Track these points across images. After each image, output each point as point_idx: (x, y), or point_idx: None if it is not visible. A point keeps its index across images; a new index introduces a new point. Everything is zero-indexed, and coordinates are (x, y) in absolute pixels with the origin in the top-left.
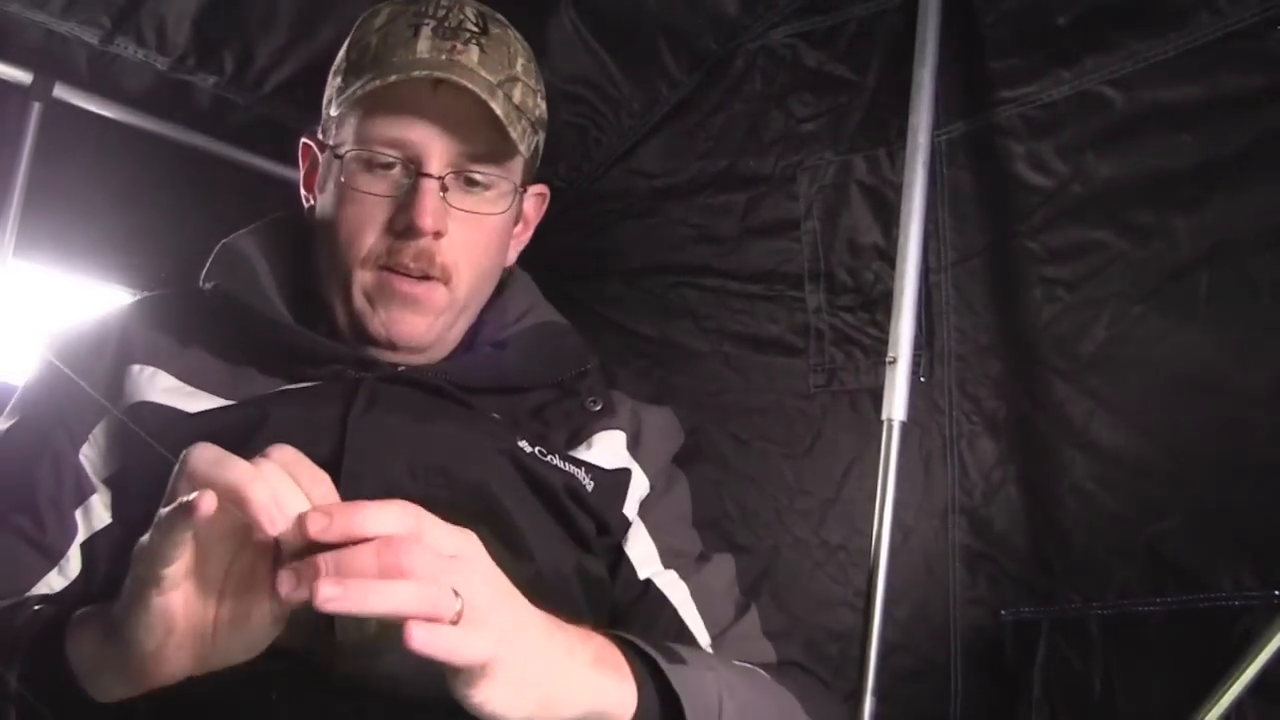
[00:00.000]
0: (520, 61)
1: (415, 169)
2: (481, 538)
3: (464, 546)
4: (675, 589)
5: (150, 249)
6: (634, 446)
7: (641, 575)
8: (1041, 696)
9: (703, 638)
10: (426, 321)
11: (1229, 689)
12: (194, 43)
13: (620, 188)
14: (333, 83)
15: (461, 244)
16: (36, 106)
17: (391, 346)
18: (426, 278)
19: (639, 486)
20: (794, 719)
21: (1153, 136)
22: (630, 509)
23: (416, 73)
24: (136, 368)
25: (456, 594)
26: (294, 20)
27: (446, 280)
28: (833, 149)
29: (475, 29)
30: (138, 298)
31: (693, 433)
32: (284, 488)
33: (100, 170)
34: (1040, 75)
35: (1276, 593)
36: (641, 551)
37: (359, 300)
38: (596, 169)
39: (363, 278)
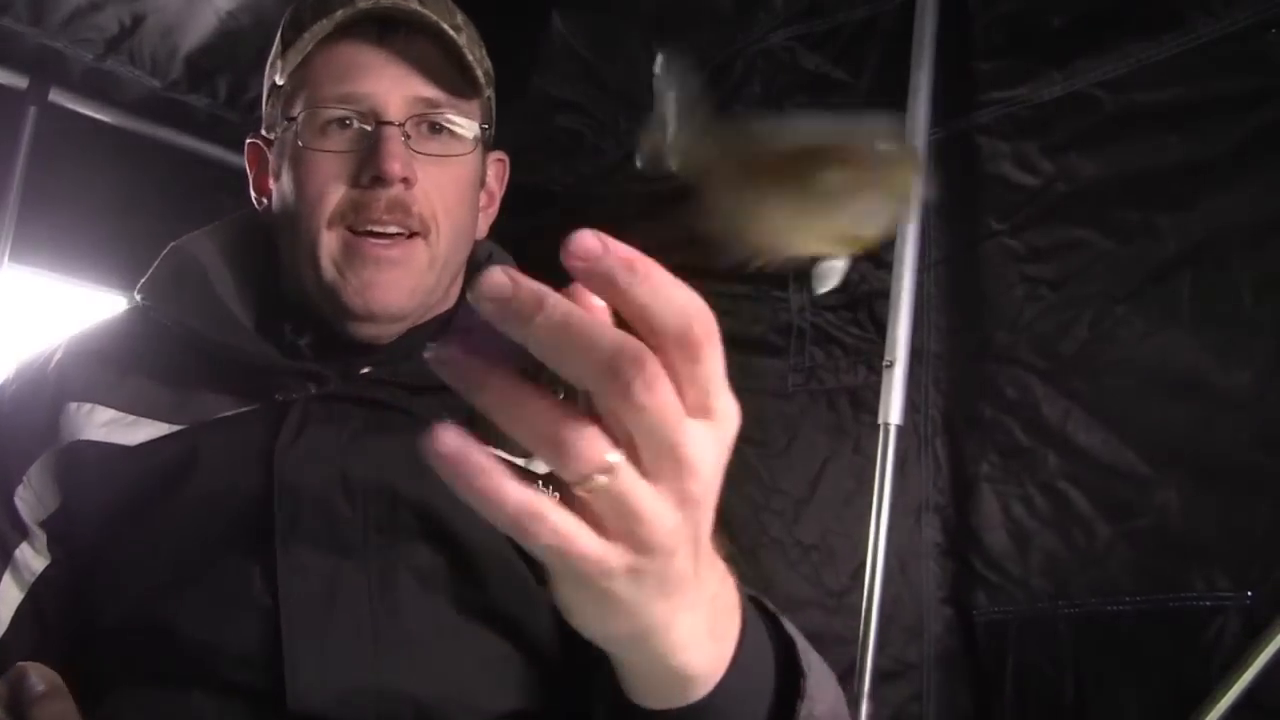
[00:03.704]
0: (460, 15)
1: (375, 119)
2: (428, 559)
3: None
4: None
5: (147, 253)
6: None
7: None
8: (1014, 696)
9: None
10: (410, 282)
11: (1221, 701)
12: (186, 72)
13: (617, 191)
14: (272, 72)
15: (434, 191)
16: (32, 111)
17: (371, 318)
18: (409, 235)
19: None
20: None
21: (1139, 137)
22: None
23: (361, 4)
24: (74, 405)
25: (611, 461)
26: None
27: (425, 234)
28: None
29: None
30: (81, 330)
31: None
32: None
33: (97, 174)
34: (1033, 76)
35: (1249, 594)
36: None
37: (328, 271)
38: (597, 172)
39: (328, 242)
